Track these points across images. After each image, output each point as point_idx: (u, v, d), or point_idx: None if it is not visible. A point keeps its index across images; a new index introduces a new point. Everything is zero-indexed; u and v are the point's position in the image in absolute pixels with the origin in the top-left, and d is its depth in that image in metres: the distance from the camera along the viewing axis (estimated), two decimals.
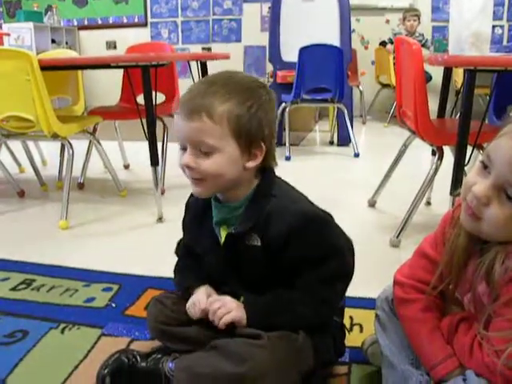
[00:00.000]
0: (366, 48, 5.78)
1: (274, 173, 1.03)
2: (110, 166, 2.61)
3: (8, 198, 2.65)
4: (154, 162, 2.21)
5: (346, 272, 1.01)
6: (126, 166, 3.29)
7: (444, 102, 2.29)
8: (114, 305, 1.46)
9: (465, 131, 1.72)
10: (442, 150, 1.96)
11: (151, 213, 2.27)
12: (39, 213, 2.44)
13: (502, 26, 5.39)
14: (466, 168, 1.78)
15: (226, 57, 2.80)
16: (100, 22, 6.42)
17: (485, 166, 0.78)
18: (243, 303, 1.00)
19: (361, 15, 5.62)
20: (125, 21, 6.34)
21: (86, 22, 6.46)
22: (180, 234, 1.16)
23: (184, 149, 0.95)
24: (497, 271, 0.77)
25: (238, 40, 6.09)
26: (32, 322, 1.36)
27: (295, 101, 3.59)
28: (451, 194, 1.78)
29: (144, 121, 2.18)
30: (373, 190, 2.40)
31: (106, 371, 1.04)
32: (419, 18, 5.02)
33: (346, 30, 4.09)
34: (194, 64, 2.73)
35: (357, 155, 3.59)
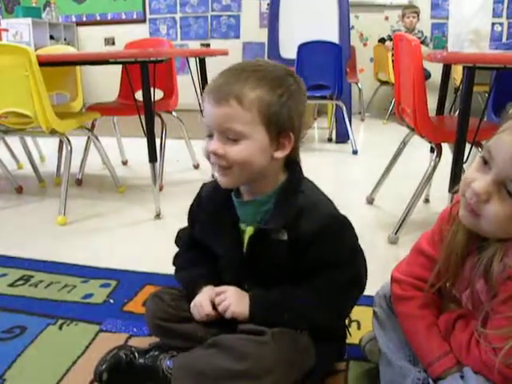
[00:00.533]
0: (365, 45, 5.77)
1: (301, 168, 1.02)
2: (108, 163, 2.61)
3: (6, 194, 2.65)
4: (153, 158, 2.21)
5: (361, 278, 1.00)
6: (124, 163, 3.29)
7: (443, 99, 2.29)
8: (112, 301, 1.46)
9: (463, 128, 1.72)
10: (440, 147, 1.96)
11: (149, 209, 2.27)
12: (37, 209, 2.43)
13: (501, 24, 5.39)
14: (464, 165, 1.78)
15: (225, 53, 2.80)
16: (98, 18, 6.40)
17: (485, 162, 0.77)
18: (249, 296, 0.98)
19: (360, 12, 5.61)
20: (123, 17, 6.32)
21: (84, 18, 6.44)
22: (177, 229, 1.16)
23: (210, 136, 0.93)
24: (495, 269, 0.77)
25: (237, 36, 6.07)
26: (30, 317, 1.36)
27: None
28: (450, 191, 1.78)
29: (142, 117, 2.18)
30: (371, 187, 2.40)
31: (103, 367, 1.04)
32: (418, 15, 5.02)
33: (344, 27, 4.08)
34: (192, 61, 2.73)
35: (355, 152, 3.59)
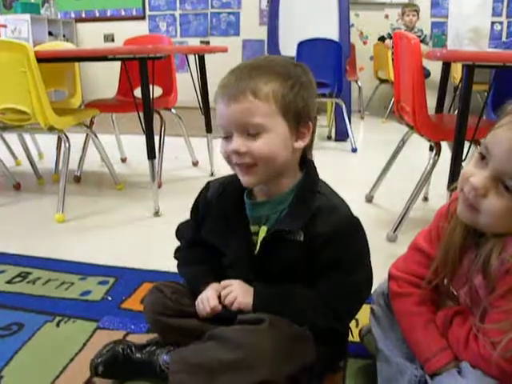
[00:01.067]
0: (365, 43, 5.77)
1: (315, 165, 1.02)
2: (106, 160, 2.61)
3: (4, 190, 2.64)
4: (151, 155, 2.20)
5: (369, 282, 1.00)
6: (123, 160, 3.29)
7: (442, 98, 2.29)
8: (110, 298, 1.46)
9: (463, 126, 1.72)
10: (439, 145, 1.96)
11: (148, 206, 2.27)
12: (35, 206, 2.43)
13: (501, 23, 5.39)
14: (463, 163, 1.77)
15: (224, 50, 2.79)
16: (98, 14, 6.38)
17: (482, 157, 0.78)
18: (254, 290, 0.98)
19: (360, 10, 5.61)
20: (123, 13, 6.31)
21: (83, 15, 6.43)
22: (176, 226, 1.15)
23: (228, 137, 0.92)
24: (493, 263, 0.77)
25: (237, 34, 6.06)
26: (28, 314, 1.36)
27: None
28: (448, 189, 1.78)
29: (141, 114, 2.17)
30: (370, 185, 2.40)
31: (99, 360, 1.04)
32: (418, 14, 5.01)
33: (344, 25, 4.08)
34: (191, 59, 2.72)
35: (354, 150, 3.59)
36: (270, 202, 0.99)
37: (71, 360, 1.15)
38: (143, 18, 6.27)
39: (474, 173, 0.78)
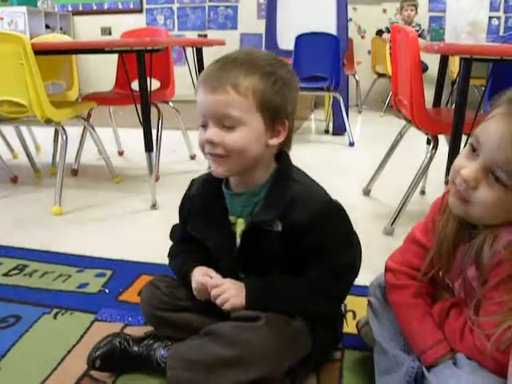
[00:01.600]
0: (363, 37, 5.76)
1: (289, 156, 1.02)
2: (104, 153, 2.60)
3: (1, 183, 2.63)
4: (149, 148, 2.20)
5: (355, 265, 1.00)
6: (121, 153, 3.28)
7: (440, 91, 2.29)
8: (107, 290, 1.46)
9: (460, 119, 1.72)
10: (436, 138, 1.96)
11: (145, 199, 2.27)
12: (32, 199, 2.42)
13: (498, 18, 5.38)
14: None
15: (222, 43, 2.78)
16: (95, 7, 6.34)
17: (473, 149, 0.78)
18: (244, 285, 0.98)
19: (358, 4, 5.59)
20: (120, 7, 6.27)
21: (80, 8, 6.39)
22: (174, 220, 1.16)
23: (205, 126, 0.93)
24: (486, 254, 0.78)
25: (234, 27, 6.04)
26: (25, 307, 1.36)
27: None
28: (445, 183, 1.78)
29: (139, 107, 2.17)
30: (367, 178, 2.41)
31: (97, 354, 1.04)
32: (416, 8, 4.99)
33: (342, 19, 4.06)
34: (189, 52, 2.71)
35: (352, 144, 3.59)
36: (245, 193, 0.99)
37: (69, 352, 1.16)
38: (140, 11, 6.23)
39: (464, 165, 0.78)
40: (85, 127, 2.71)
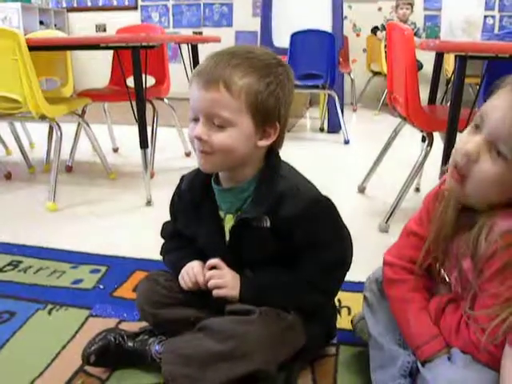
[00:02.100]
0: (358, 35, 5.76)
1: (279, 153, 1.01)
2: (98, 149, 2.59)
3: None
4: (144, 144, 2.20)
5: (346, 258, 1.00)
6: (115, 150, 3.27)
7: (435, 89, 2.29)
8: (101, 286, 1.45)
9: (455, 116, 1.72)
10: (431, 136, 1.96)
11: (140, 196, 2.26)
12: (27, 195, 2.41)
13: (493, 16, 5.40)
14: None
15: (217, 40, 2.78)
16: (90, 4, 6.32)
17: (476, 127, 0.78)
18: (240, 278, 0.98)
19: (353, 2, 5.59)
20: (115, 3, 6.25)
21: (75, 4, 6.36)
22: (169, 217, 1.15)
23: (196, 120, 0.92)
24: (481, 246, 0.78)
25: (230, 25, 6.03)
26: (19, 303, 1.35)
27: None
28: (442, 173, 1.79)
29: (134, 103, 2.16)
30: (362, 176, 2.41)
31: (91, 349, 1.04)
32: (412, 7, 4.99)
33: (338, 17, 4.06)
34: (184, 49, 2.70)
35: (347, 142, 3.59)
36: (233, 189, 0.99)
37: (63, 347, 1.15)
38: (135, 8, 6.21)
39: (467, 141, 0.78)
40: (79, 124, 2.70)
